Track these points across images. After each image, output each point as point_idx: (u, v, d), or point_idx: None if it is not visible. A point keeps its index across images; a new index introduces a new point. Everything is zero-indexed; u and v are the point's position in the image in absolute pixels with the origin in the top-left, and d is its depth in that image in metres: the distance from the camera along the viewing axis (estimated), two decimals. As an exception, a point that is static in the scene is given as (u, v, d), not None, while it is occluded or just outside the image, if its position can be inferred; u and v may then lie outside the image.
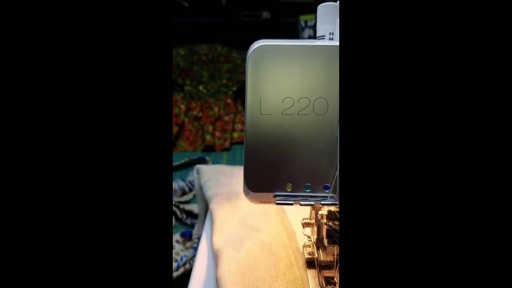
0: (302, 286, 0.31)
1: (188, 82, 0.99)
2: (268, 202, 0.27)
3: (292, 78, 0.25)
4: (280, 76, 0.25)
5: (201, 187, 0.51)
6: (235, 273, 0.32)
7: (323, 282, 0.31)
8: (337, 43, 0.26)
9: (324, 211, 0.30)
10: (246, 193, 0.27)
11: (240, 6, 1.42)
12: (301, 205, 0.25)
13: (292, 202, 0.25)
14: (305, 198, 0.26)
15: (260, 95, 0.25)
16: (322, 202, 0.25)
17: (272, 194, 0.26)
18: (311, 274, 0.32)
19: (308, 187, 0.26)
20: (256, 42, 0.26)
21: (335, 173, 0.25)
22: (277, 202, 0.26)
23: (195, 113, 0.94)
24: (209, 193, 0.47)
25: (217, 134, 0.91)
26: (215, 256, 0.35)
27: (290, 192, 0.26)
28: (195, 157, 0.84)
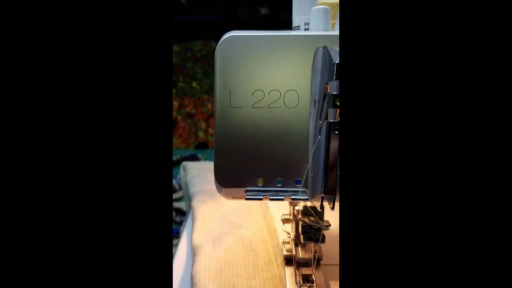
0: (279, 284, 0.31)
1: (181, 79, 0.99)
2: (240, 198, 0.26)
3: (262, 70, 0.24)
4: (250, 68, 0.24)
5: (186, 184, 0.50)
6: (211, 270, 0.31)
7: (301, 280, 0.30)
8: (311, 33, 0.25)
9: (300, 206, 0.29)
10: (218, 189, 0.27)
11: (238, 2, 1.41)
12: (270, 199, 0.25)
13: (262, 197, 0.25)
14: (276, 193, 0.25)
15: (229, 87, 0.25)
16: (292, 197, 0.24)
17: (244, 189, 0.25)
18: (289, 272, 0.31)
19: (279, 182, 0.25)
20: (226, 33, 0.25)
21: (307, 167, 0.25)
22: (246, 197, 0.25)
23: (188, 110, 0.93)
24: (193, 190, 0.46)
25: (211, 131, 0.90)
26: (193, 253, 0.34)
27: (261, 187, 0.25)
28: (187, 154, 0.83)
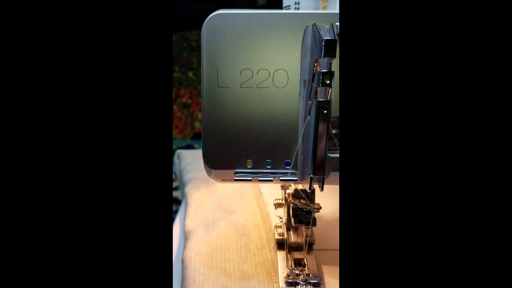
0: (271, 268, 0.31)
1: (177, 69, 0.98)
2: (230, 180, 0.26)
3: (250, 49, 0.24)
4: (237, 47, 0.24)
5: (181, 172, 0.50)
6: (202, 253, 0.31)
7: (292, 263, 0.30)
8: (300, 11, 0.25)
9: (291, 190, 0.29)
10: (208, 172, 0.26)
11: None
12: (259, 181, 0.24)
13: (251, 178, 0.24)
14: (265, 174, 0.25)
15: (216, 66, 0.24)
16: (281, 178, 0.24)
17: (233, 171, 0.25)
18: (281, 256, 0.31)
19: (269, 164, 0.25)
20: (213, 12, 0.25)
21: (296, 148, 0.24)
22: (235, 178, 0.25)
23: (184, 100, 0.92)
24: (186, 177, 0.46)
25: (207, 121, 0.90)
26: (185, 238, 0.34)
27: (250, 168, 0.25)
28: (183, 144, 0.83)
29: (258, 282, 0.29)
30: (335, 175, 0.25)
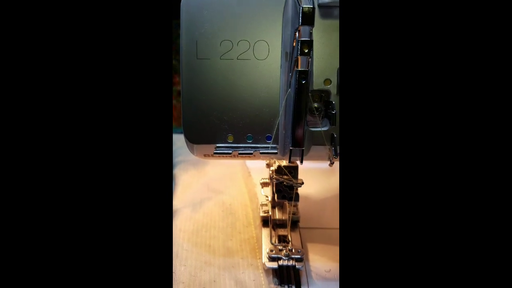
0: (256, 245, 0.31)
1: (172, 56, 0.97)
2: (212, 156, 0.26)
3: (230, 19, 0.23)
4: (217, 17, 0.23)
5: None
6: (187, 231, 0.31)
7: (276, 240, 0.30)
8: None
9: (275, 166, 0.29)
10: (190, 148, 0.26)
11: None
12: (239, 154, 0.24)
13: (231, 152, 0.24)
14: (245, 148, 0.24)
15: (196, 38, 0.24)
16: (260, 151, 0.24)
17: (214, 146, 0.25)
18: (266, 232, 0.31)
19: (250, 138, 0.24)
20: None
21: (277, 122, 0.24)
22: (214, 152, 0.24)
23: (179, 88, 0.92)
24: (176, 160, 0.46)
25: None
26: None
27: (231, 143, 0.25)
28: (178, 131, 0.83)
29: (241, 258, 0.29)
30: (317, 150, 0.25)
